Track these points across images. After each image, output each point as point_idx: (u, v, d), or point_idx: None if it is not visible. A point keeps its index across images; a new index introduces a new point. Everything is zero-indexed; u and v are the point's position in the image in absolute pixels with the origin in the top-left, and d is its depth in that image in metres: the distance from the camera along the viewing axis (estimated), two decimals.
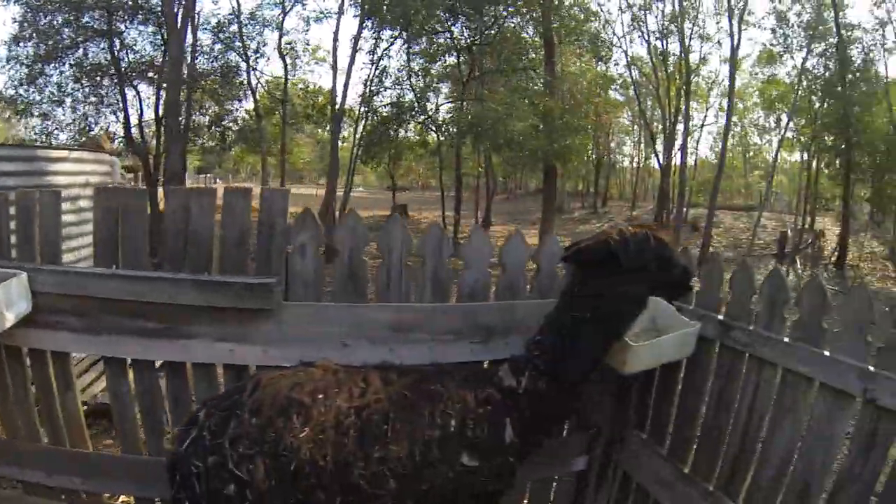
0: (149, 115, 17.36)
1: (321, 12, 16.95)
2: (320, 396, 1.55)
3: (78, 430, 2.15)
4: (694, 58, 23.80)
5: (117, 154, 16.88)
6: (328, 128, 19.12)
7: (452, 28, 15.99)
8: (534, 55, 17.31)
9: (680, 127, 23.76)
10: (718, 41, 24.23)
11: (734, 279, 2.08)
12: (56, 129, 16.88)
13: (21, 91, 16.21)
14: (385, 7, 14.32)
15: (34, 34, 15.65)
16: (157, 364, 2.17)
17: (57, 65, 16.34)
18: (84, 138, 16.94)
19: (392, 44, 15.06)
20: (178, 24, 13.88)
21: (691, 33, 23.04)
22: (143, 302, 1.91)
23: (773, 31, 22.15)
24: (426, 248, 2.02)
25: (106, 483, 2.15)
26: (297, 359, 1.79)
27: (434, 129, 15.70)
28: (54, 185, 4.84)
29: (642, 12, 22.82)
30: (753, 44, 40.96)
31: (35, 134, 17.25)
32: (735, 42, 19.92)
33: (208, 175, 44.75)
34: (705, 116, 30.46)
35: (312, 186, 32.35)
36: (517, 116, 13.88)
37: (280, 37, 17.40)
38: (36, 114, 16.60)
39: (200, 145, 18.06)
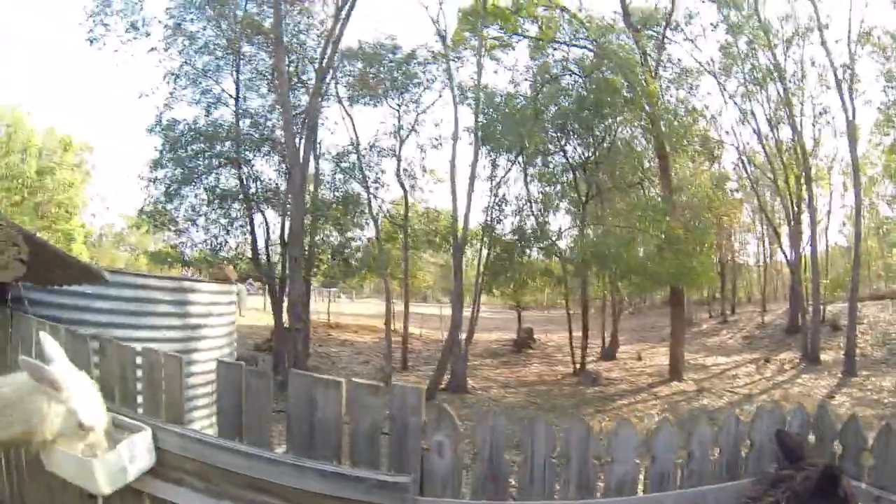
0: (274, 238, 18.41)
1: (437, 139, 17.75)
2: None
3: None
4: (808, 140, 22.14)
5: (246, 277, 18.02)
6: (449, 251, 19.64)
7: (566, 147, 16.07)
8: (648, 164, 16.97)
9: (805, 217, 21.93)
10: (830, 117, 22.40)
11: None
12: (190, 245, 18.37)
13: (160, 208, 17.74)
14: (499, 135, 14.67)
15: (172, 161, 17.23)
16: None
17: (192, 188, 17.84)
18: (214, 259, 18.37)
19: (509, 171, 15.32)
20: (301, 157, 14.65)
21: (801, 114, 21.61)
22: (268, 480, 1.92)
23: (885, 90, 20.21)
24: (570, 444, 1.97)
25: None
26: None
27: (557, 256, 15.58)
28: (194, 313, 5.80)
29: (747, 103, 21.77)
30: (868, 108, 38.15)
31: (170, 248, 18.87)
32: (850, 115, 18.19)
33: (333, 290, 46.09)
34: (830, 200, 28.11)
35: (434, 305, 33.23)
36: (641, 241, 13.47)
37: (398, 164, 18.16)
38: (172, 229, 18.10)
39: (323, 271, 18.76)
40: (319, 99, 15.11)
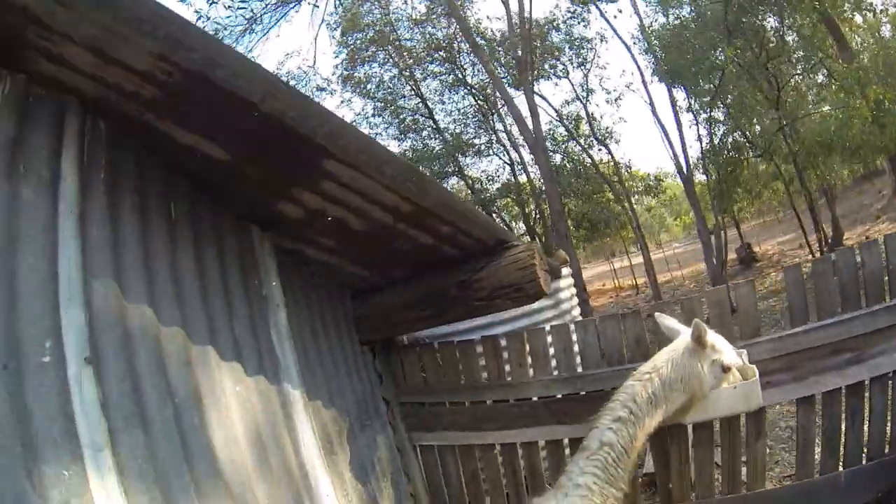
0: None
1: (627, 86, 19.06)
2: None
3: (761, 472, 2.57)
4: None
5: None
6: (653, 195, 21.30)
7: (739, 62, 16.83)
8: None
9: None
10: None
11: None
12: None
13: None
14: (693, 73, 15.36)
15: None
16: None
17: None
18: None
19: (712, 99, 15.63)
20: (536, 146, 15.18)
21: None
22: (839, 340, 2.35)
23: None
24: None
25: None
26: None
27: (770, 160, 16.23)
28: (563, 298, 6.30)
29: None
30: None
31: None
32: None
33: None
34: None
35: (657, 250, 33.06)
36: (853, 116, 14.02)
37: (590, 125, 19.49)
38: None
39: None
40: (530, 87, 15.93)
